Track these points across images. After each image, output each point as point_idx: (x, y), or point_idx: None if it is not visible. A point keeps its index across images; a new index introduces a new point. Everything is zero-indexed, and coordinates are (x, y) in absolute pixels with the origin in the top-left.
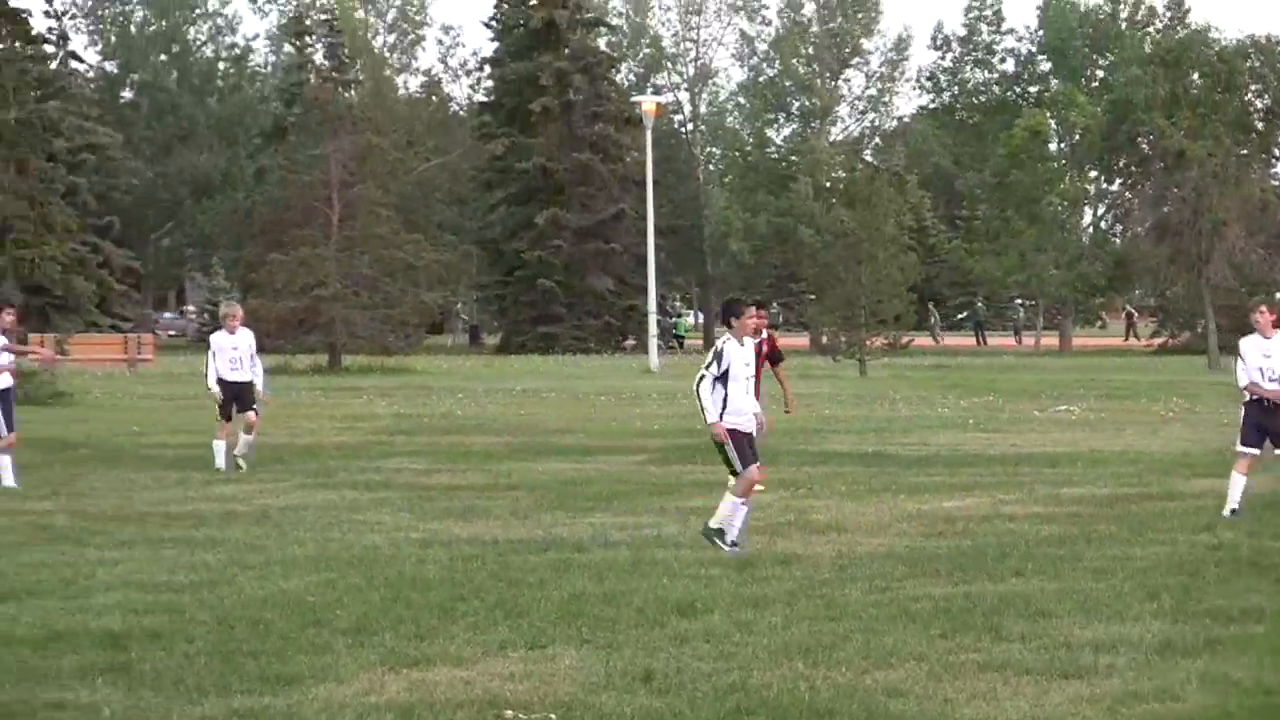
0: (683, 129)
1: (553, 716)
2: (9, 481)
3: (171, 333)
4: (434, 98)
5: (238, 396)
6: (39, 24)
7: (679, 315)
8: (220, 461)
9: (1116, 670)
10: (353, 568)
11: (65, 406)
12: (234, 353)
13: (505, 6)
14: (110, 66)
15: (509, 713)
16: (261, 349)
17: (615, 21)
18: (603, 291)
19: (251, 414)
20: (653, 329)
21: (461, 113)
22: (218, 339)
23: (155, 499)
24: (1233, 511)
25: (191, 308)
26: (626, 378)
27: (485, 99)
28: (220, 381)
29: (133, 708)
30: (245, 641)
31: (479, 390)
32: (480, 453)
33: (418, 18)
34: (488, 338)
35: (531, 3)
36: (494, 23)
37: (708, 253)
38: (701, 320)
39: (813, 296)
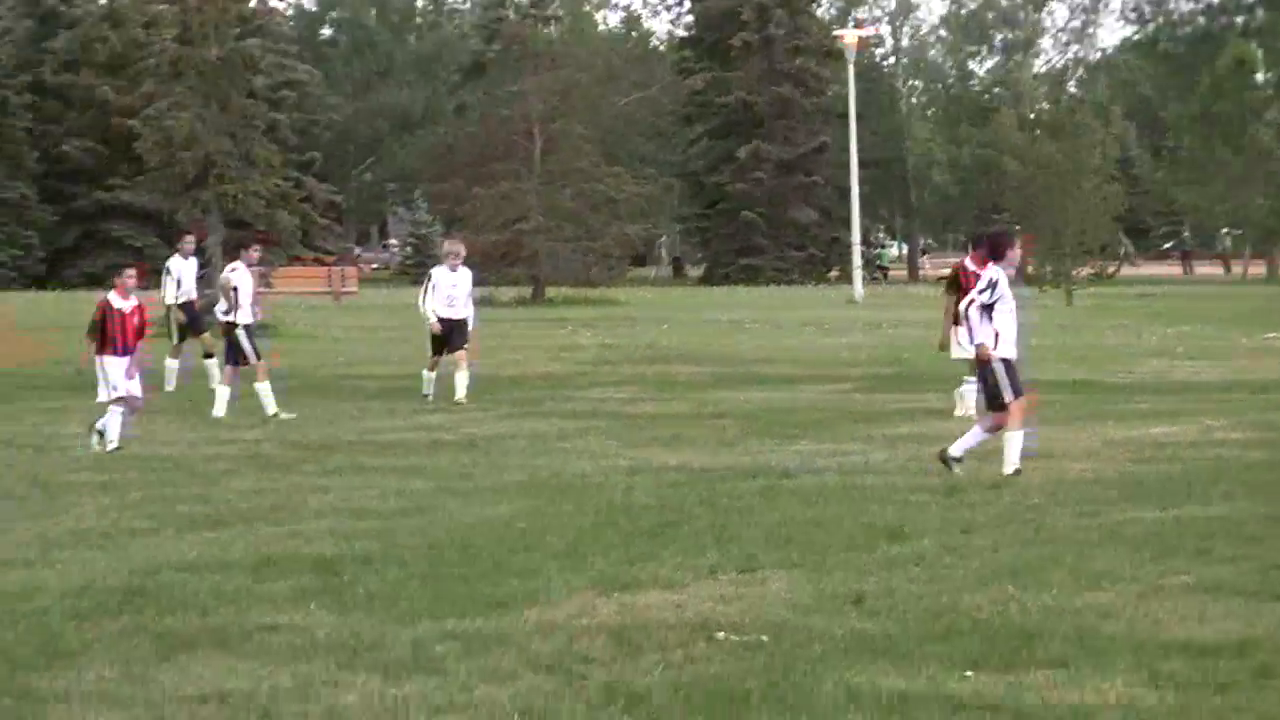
0: (884, 62)
1: (764, 638)
2: (271, 408)
3: (374, 266)
4: (633, 33)
5: (450, 333)
6: None
7: (882, 246)
8: (429, 389)
9: None
10: (561, 494)
11: (270, 338)
12: (453, 290)
13: None
14: (309, 4)
15: (720, 634)
16: None
17: None
18: (806, 223)
19: (462, 352)
20: (857, 260)
21: (661, 48)
22: (439, 274)
23: (362, 428)
24: None
25: (394, 241)
26: (830, 308)
27: (685, 34)
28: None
29: (345, 630)
30: (456, 566)
31: (683, 321)
32: (685, 382)
33: None
34: (690, 269)
35: None
36: None
37: (911, 184)
38: (905, 251)
39: (1017, 227)
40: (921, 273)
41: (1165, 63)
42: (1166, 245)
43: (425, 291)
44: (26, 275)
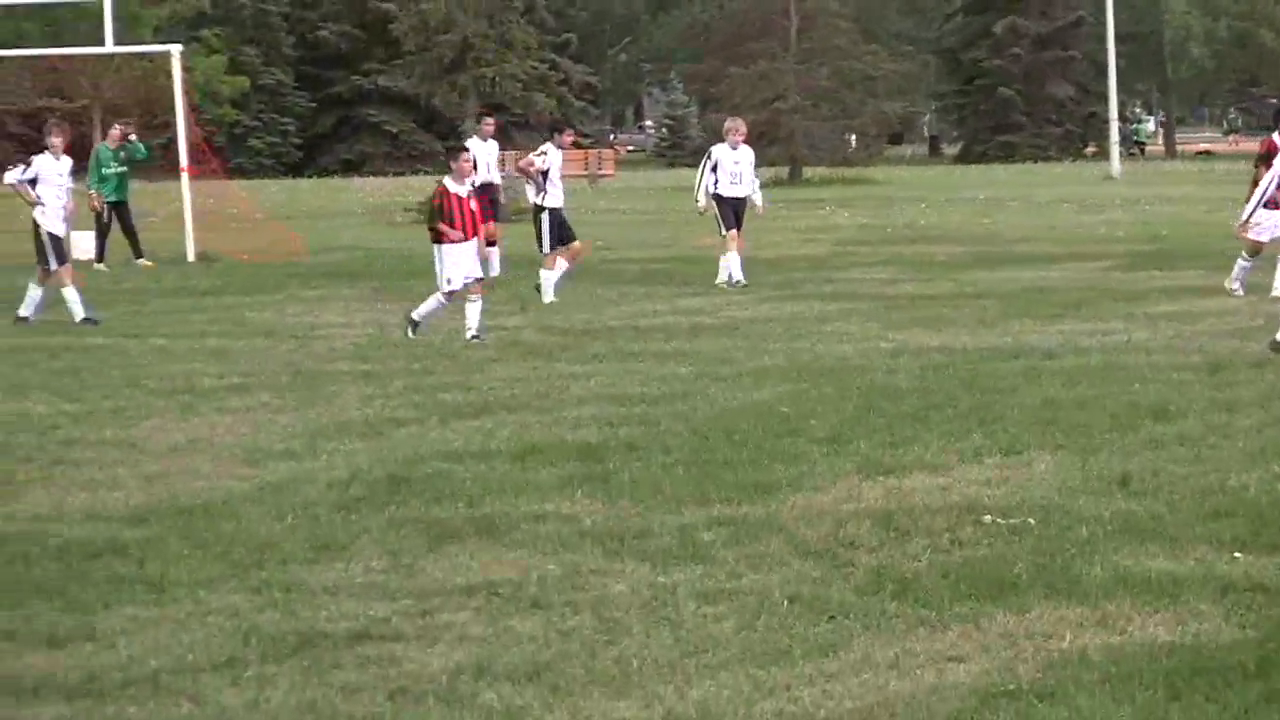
0: None
1: (1030, 520)
2: (549, 297)
3: (630, 148)
4: None
5: (735, 211)
6: None
7: (1139, 121)
8: (733, 275)
9: None
10: (823, 377)
11: (531, 223)
12: (735, 167)
13: None
14: None
15: (987, 517)
16: None
17: None
18: (1062, 99)
19: (734, 231)
20: (1114, 136)
21: None
22: (720, 151)
23: (622, 313)
24: None
25: (649, 123)
26: (1087, 185)
27: None
28: (717, 197)
29: (612, 517)
30: (720, 451)
31: (940, 200)
32: (944, 262)
33: None
34: (946, 147)
35: None
36: None
37: (1167, 58)
38: (1159, 126)
39: (1275, 100)
40: (1180, 146)
41: None
42: None
43: (703, 170)
44: (283, 163)
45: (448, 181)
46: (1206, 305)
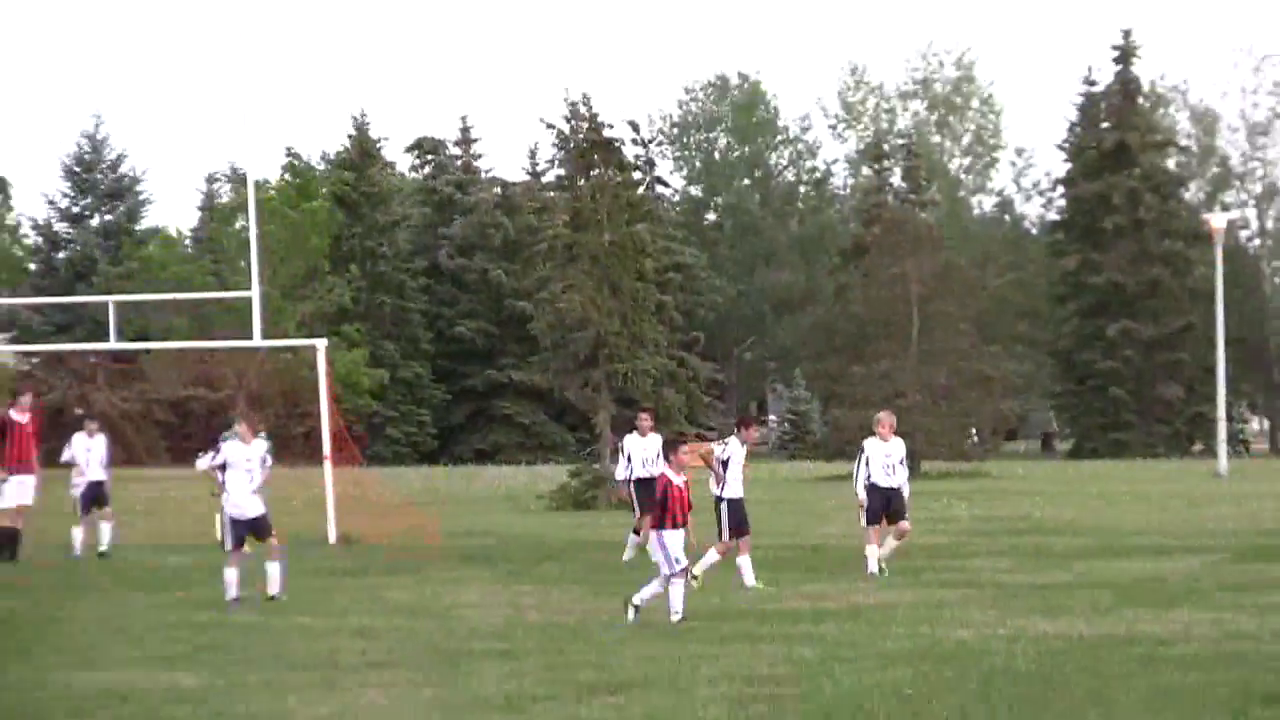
0: (1250, 243)
1: None
2: (750, 581)
3: (756, 440)
4: (1007, 217)
5: (889, 500)
6: (628, 151)
7: (1245, 421)
8: (873, 566)
9: None
10: (944, 661)
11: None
12: (886, 460)
13: (1078, 130)
14: (695, 190)
15: None
16: (842, 456)
17: (1184, 142)
18: (1172, 399)
19: (904, 523)
20: (1222, 434)
21: (1033, 231)
22: (872, 446)
23: (751, 598)
24: None
25: (773, 417)
26: (1195, 481)
27: (1057, 217)
28: (872, 487)
29: None
30: None
31: (1053, 493)
32: (1060, 552)
33: (992, 141)
34: (1059, 444)
35: (1103, 126)
36: (1066, 145)
37: (1273, 362)
38: (1267, 426)
39: None
40: None
41: None
42: None
43: (859, 465)
44: (419, 451)
45: (669, 473)
46: None
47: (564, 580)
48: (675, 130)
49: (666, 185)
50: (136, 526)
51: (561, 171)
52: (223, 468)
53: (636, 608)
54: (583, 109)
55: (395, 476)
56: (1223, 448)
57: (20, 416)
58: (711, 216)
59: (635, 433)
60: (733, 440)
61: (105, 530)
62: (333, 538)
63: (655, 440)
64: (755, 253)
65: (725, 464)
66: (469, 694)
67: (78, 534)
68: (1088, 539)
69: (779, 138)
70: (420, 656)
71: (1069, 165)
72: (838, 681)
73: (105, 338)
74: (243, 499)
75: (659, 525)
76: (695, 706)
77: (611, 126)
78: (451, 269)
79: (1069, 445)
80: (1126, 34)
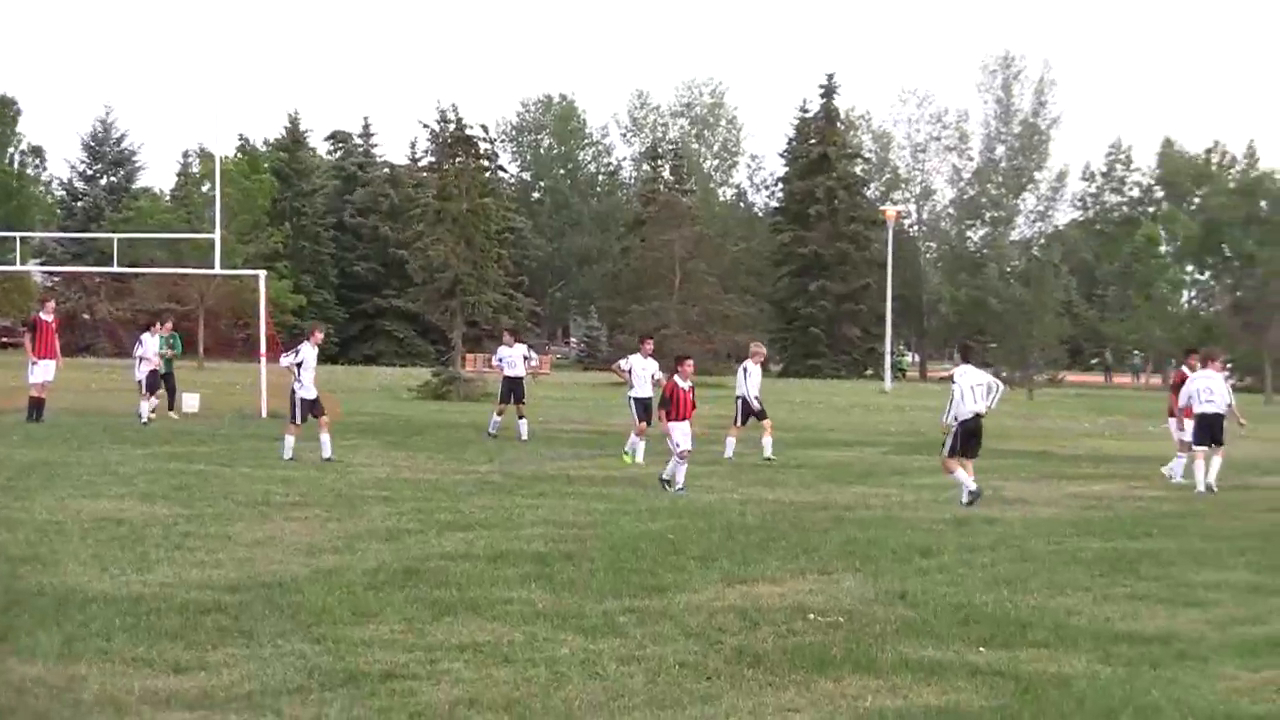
0: (910, 229)
1: (841, 619)
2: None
3: (559, 355)
4: (742, 204)
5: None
6: (480, 145)
7: (901, 355)
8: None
9: (1221, 602)
10: (696, 516)
11: (492, 403)
12: (644, 371)
13: (794, 143)
14: (526, 175)
15: (811, 615)
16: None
17: (867, 155)
18: (853, 337)
19: (768, 421)
20: (887, 363)
21: (760, 214)
22: (751, 366)
23: (559, 466)
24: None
25: (573, 339)
26: (869, 396)
27: (777, 205)
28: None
29: (556, 604)
30: (628, 562)
31: (770, 400)
32: (776, 441)
33: (733, 149)
34: (773, 367)
35: (811, 141)
36: (785, 153)
37: (925, 313)
38: (917, 359)
39: (995, 345)
40: (930, 374)
41: (1099, 236)
42: (1094, 361)
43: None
44: (325, 354)
45: (676, 379)
46: (953, 479)
47: (427, 449)
48: (514, 131)
49: (506, 171)
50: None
51: (433, 158)
52: (300, 365)
53: (665, 481)
54: (450, 114)
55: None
56: (889, 373)
57: (47, 316)
58: (536, 195)
59: (639, 354)
60: (635, 357)
61: (143, 407)
62: (264, 413)
63: (653, 362)
64: (565, 222)
65: (629, 372)
66: (362, 527)
67: (145, 406)
68: (795, 433)
69: (586, 141)
70: (327, 499)
71: (787, 168)
72: (622, 528)
73: (109, 264)
74: (310, 387)
75: (670, 418)
76: (522, 541)
77: (470, 127)
78: (353, 225)
79: (780, 368)
80: (830, 76)
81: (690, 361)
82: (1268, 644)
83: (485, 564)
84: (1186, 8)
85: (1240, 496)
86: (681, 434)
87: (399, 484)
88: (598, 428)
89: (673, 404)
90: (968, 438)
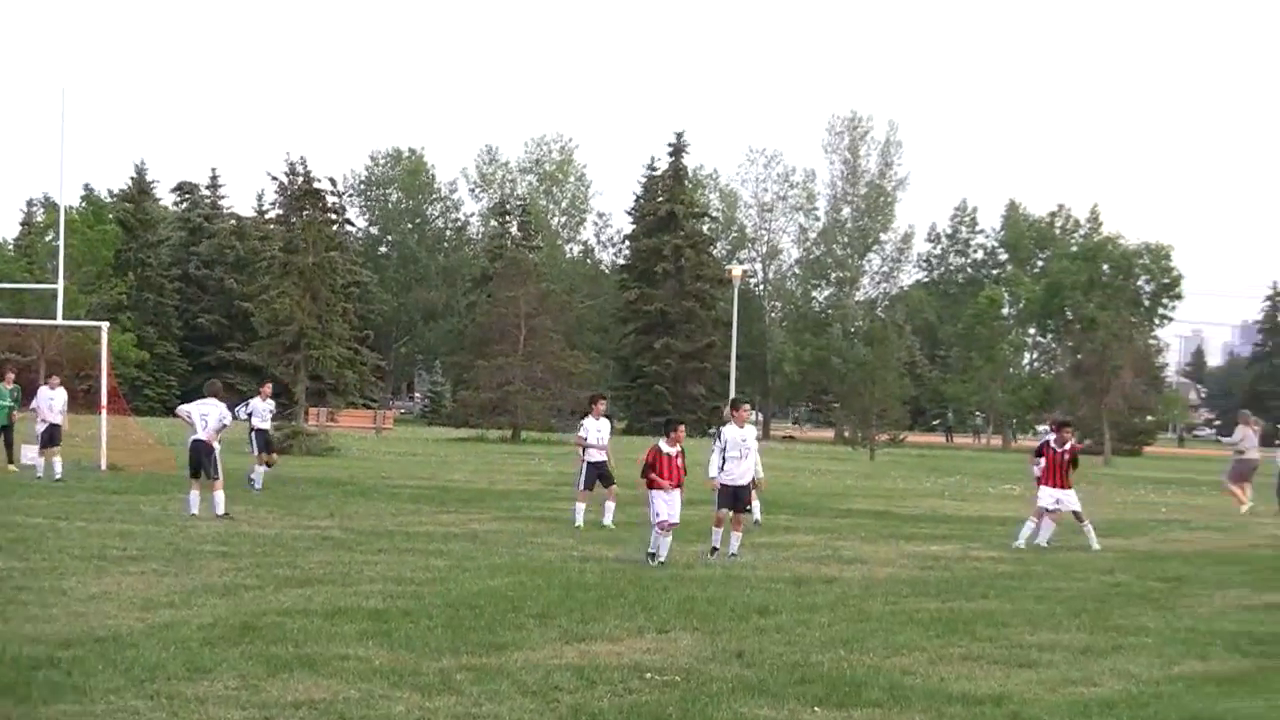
0: (756, 288)
1: (677, 678)
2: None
3: (403, 410)
4: (589, 260)
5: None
6: (328, 199)
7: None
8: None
9: (1055, 664)
10: (536, 573)
11: (335, 457)
12: (599, 434)
13: (642, 201)
14: (374, 229)
15: (648, 674)
16: (466, 425)
17: (714, 214)
18: (698, 395)
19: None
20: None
21: (607, 271)
22: (588, 423)
23: (399, 522)
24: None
25: (418, 394)
26: (709, 453)
27: (624, 262)
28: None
29: (393, 660)
30: (467, 620)
31: (616, 457)
32: (623, 499)
33: (581, 206)
34: (618, 423)
35: (659, 199)
36: (633, 211)
37: (769, 372)
38: (760, 418)
39: (837, 404)
40: (773, 433)
41: (943, 298)
42: (935, 421)
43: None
44: (167, 406)
45: (661, 444)
46: (793, 539)
47: (267, 503)
48: (362, 185)
49: (353, 225)
50: None
51: (280, 211)
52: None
53: (652, 555)
54: (298, 166)
55: (149, 424)
56: None
57: None
58: (383, 249)
59: (590, 417)
60: (587, 420)
61: (56, 464)
62: (104, 465)
63: (606, 423)
64: (412, 276)
65: (585, 438)
66: (199, 581)
67: (37, 459)
68: (634, 491)
69: (434, 195)
70: (164, 552)
71: (634, 225)
72: (461, 584)
73: None
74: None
75: (653, 486)
76: (360, 598)
77: (318, 180)
78: (198, 277)
79: (624, 424)
80: (679, 134)
81: (682, 427)
82: (1099, 705)
83: (322, 620)
84: (1031, 74)
85: (1076, 558)
86: (664, 503)
87: (238, 538)
88: (439, 483)
89: (657, 470)
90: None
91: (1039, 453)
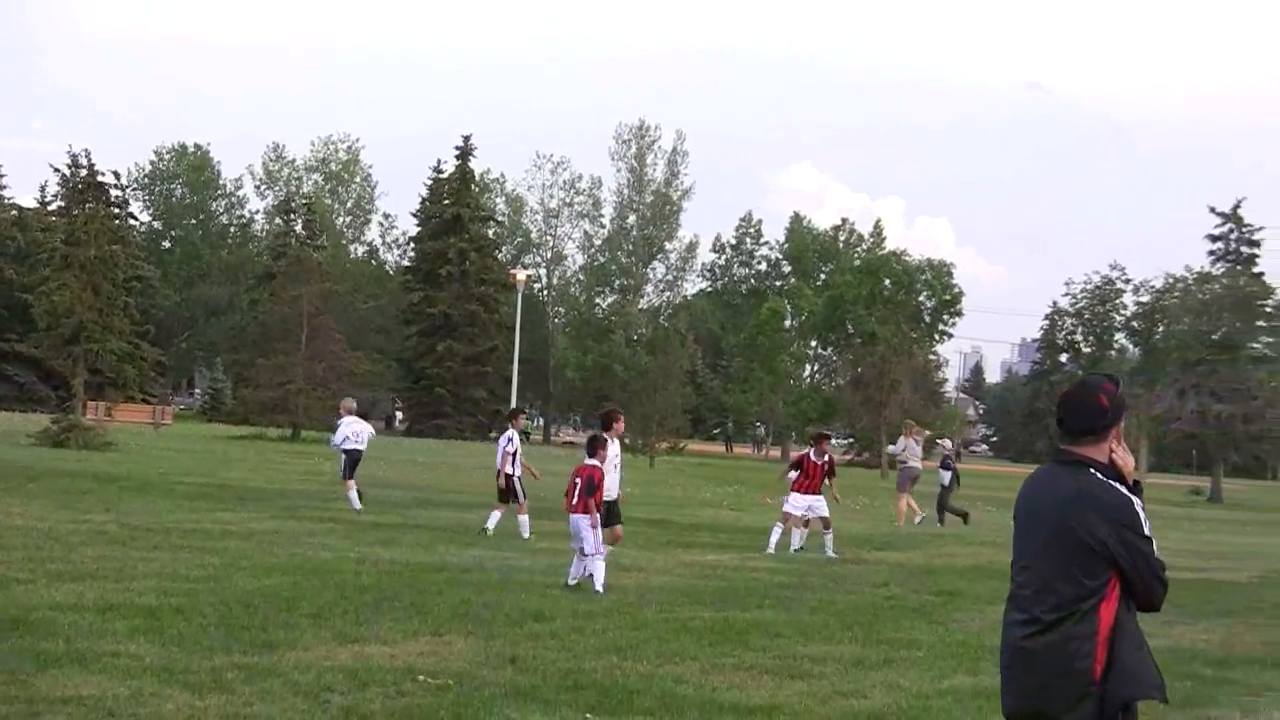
0: (541, 293)
1: (450, 682)
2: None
3: (183, 406)
4: (374, 261)
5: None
6: (112, 192)
7: (530, 419)
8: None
9: (826, 675)
10: (312, 574)
11: (113, 452)
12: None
13: (428, 203)
14: (157, 224)
15: (421, 677)
16: (246, 423)
17: (500, 218)
18: (479, 398)
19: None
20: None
21: (392, 272)
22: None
23: (176, 519)
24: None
25: (198, 390)
26: (492, 457)
27: (409, 264)
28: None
29: (165, 658)
30: (240, 618)
31: (394, 459)
32: (396, 501)
33: (367, 206)
34: (399, 424)
35: (446, 202)
36: (419, 213)
37: (551, 378)
38: (542, 423)
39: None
40: (554, 438)
41: (726, 308)
42: (715, 430)
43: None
44: None
45: (596, 463)
46: (565, 545)
47: (42, 497)
48: (146, 180)
49: (137, 219)
50: None
51: (62, 203)
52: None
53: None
54: (81, 159)
55: None
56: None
57: None
58: (166, 244)
59: (511, 429)
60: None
61: None
62: None
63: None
64: (195, 272)
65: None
66: None
67: None
68: (416, 493)
69: (219, 191)
70: None
71: (420, 228)
72: (236, 583)
73: None
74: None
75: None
76: (134, 594)
77: (102, 174)
78: None
79: (405, 426)
80: (467, 138)
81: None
82: (869, 717)
83: (94, 616)
84: (822, 85)
85: (851, 571)
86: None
87: (10, 532)
88: (217, 481)
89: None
90: None
91: (796, 465)
